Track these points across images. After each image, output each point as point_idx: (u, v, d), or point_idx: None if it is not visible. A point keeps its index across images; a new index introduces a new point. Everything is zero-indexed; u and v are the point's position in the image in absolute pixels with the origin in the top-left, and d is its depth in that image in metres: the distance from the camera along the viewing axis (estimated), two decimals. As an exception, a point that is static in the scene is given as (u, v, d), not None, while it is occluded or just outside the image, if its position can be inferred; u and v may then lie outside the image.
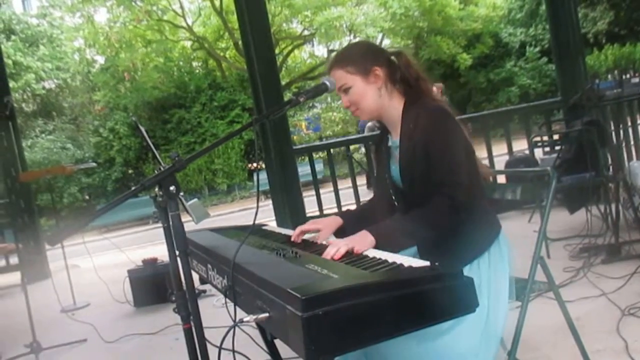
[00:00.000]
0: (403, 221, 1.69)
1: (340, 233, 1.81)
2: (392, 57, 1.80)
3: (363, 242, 1.55)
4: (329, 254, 1.48)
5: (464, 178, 1.65)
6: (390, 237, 1.59)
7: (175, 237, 1.41)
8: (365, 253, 1.50)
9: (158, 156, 1.54)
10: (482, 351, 1.58)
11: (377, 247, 1.56)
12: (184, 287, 1.49)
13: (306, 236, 1.80)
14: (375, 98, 1.76)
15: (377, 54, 1.79)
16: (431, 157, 1.65)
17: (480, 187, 1.78)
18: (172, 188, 1.37)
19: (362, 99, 1.76)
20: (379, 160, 1.98)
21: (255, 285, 1.29)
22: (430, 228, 1.62)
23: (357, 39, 16.93)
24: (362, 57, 1.76)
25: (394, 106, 1.78)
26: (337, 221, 1.85)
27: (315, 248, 1.66)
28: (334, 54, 1.86)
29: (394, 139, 1.83)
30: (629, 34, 18.69)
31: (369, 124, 8.93)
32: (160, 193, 1.41)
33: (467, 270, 1.65)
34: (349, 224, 1.83)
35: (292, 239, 1.79)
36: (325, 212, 6.20)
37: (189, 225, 1.52)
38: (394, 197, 1.87)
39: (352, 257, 1.47)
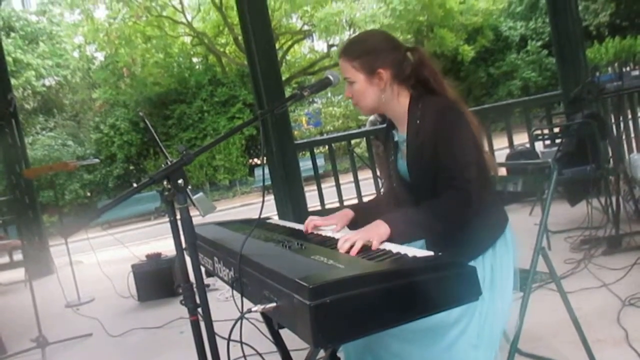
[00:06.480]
0: (416, 212, 1.65)
1: (352, 225, 1.83)
2: (407, 53, 1.77)
3: (378, 232, 1.52)
4: (342, 248, 1.45)
5: (474, 173, 1.64)
6: (403, 228, 1.57)
7: (184, 230, 1.44)
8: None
9: (164, 150, 1.56)
10: (483, 347, 1.59)
11: (390, 236, 1.54)
12: (191, 280, 1.51)
13: (323, 231, 1.79)
14: (375, 98, 1.74)
15: (386, 53, 1.72)
16: (440, 154, 1.63)
17: (488, 181, 1.78)
18: (180, 181, 1.40)
19: (362, 97, 1.75)
20: (386, 155, 1.95)
21: (263, 276, 1.31)
22: (443, 221, 1.60)
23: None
24: (370, 54, 1.71)
25: (399, 102, 1.76)
26: (349, 214, 1.85)
27: (320, 240, 1.68)
28: (347, 40, 1.83)
29: (400, 134, 1.82)
30: (630, 26, 18.67)
31: (371, 117, 8.94)
32: (168, 187, 1.43)
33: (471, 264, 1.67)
34: (361, 217, 1.83)
35: (305, 229, 1.79)
36: (327, 206, 6.22)
37: (194, 219, 1.54)
38: (401, 191, 1.85)
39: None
